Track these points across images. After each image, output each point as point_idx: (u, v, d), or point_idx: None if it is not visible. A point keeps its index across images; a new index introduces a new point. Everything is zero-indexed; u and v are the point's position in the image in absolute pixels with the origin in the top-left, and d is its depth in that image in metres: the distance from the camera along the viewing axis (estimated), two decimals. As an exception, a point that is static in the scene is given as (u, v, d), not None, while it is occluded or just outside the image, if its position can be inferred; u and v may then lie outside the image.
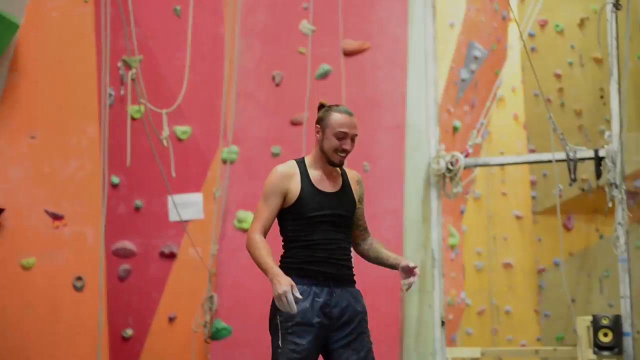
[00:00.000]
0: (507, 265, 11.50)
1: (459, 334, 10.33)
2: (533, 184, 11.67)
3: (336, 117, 4.08)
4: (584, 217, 11.40)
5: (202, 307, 7.91)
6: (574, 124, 11.00)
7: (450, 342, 9.61)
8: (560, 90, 11.44)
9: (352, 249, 4.37)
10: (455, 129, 9.66)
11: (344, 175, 4.29)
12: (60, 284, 8.07)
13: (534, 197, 11.66)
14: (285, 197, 4.09)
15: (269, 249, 4.00)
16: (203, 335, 7.88)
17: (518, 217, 11.68)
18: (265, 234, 4.09)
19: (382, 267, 7.50)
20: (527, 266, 11.58)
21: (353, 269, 4.29)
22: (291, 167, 4.15)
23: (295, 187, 4.09)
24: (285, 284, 3.79)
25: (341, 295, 4.18)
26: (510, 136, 11.50)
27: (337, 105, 4.14)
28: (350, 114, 4.10)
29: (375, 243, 4.37)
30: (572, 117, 11.13)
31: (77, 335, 7.96)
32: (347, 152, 4.12)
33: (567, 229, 11.42)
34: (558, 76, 11.52)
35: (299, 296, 3.81)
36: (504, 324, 11.32)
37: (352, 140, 4.12)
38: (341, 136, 4.08)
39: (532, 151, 11.06)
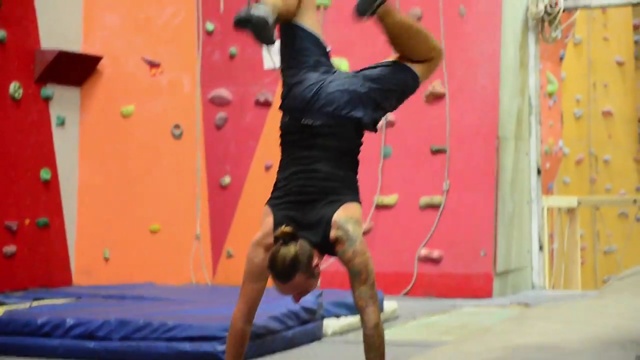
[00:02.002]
0: (607, 113, 11.29)
1: (556, 183, 10.28)
2: (636, 28, 11.31)
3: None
4: None
5: None
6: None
7: (547, 190, 9.59)
8: None
9: None
10: None
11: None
12: (158, 132, 8.26)
13: (636, 42, 11.32)
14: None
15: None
16: None
17: (619, 63, 11.40)
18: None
19: (478, 116, 7.41)
20: (627, 114, 11.38)
21: None
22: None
23: None
24: None
25: None
26: None
27: (273, 267, 3.48)
28: (282, 281, 3.47)
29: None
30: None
31: (177, 182, 8.18)
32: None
33: None
34: None
35: None
36: (602, 173, 11.23)
37: (301, 294, 3.51)
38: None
39: None
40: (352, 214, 3.54)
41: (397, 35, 3.66)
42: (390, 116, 7.45)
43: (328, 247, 3.50)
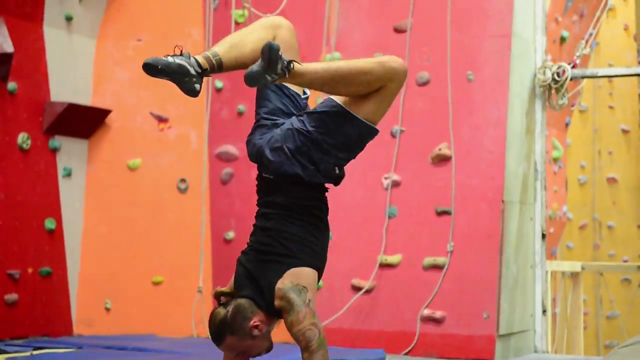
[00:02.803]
0: (612, 180, 11.36)
1: (559, 248, 10.29)
2: None
3: None
4: None
5: None
6: (688, 34, 10.71)
7: (551, 255, 9.58)
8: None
9: None
10: (562, 40, 9.44)
11: None
12: (164, 185, 8.28)
13: None
14: None
15: None
16: None
17: (625, 131, 11.47)
18: None
19: (484, 179, 7.43)
20: (632, 181, 11.43)
21: None
22: None
23: None
24: None
25: None
26: (620, 47, 11.25)
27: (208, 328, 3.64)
28: (214, 342, 3.63)
29: None
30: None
31: (181, 235, 8.18)
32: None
33: None
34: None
35: None
36: (605, 239, 11.26)
37: (244, 354, 3.60)
38: None
39: None
40: (299, 279, 3.50)
41: (322, 86, 3.49)
42: (395, 176, 7.52)
43: (276, 312, 3.49)
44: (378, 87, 3.45)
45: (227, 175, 8.22)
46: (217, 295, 3.57)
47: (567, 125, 10.55)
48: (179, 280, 8.13)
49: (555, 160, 10.10)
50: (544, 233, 7.92)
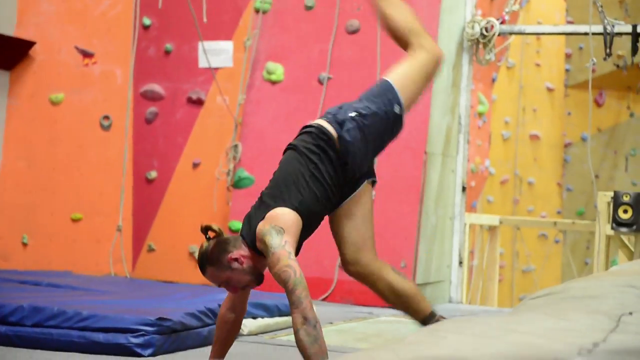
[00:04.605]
0: (534, 137, 11.52)
1: (479, 202, 10.43)
2: (568, 56, 11.55)
3: None
4: (616, 93, 11.32)
5: (226, 156, 8.04)
6: (615, -2, 10.77)
7: (470, 208, 9.73)
8: (605, -38, 11.19)
9: None
10: None
11: None
12: (87, 122, 8.22)
13: (567, 70, 11.55)
14: None
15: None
16: (225, 183, 8.02)
17: (549, 89, 11.60)
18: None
19: (407, 130, 7.50)
20: (554, 139, 11.59)
21: None
22: None
23: None
24: None
25: None
26: (549, 6, 11.32)
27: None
28: (200, 271, 3.75)
29: None
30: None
31: (102, 173, 8.15)
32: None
33: (598, 104, 11.38)
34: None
35: None
36: (525, 195, 11.40)
37: (228, 284, 3.72)
38: None
39: (570, 23, 10.88)
40: (277, 221, 3.62)
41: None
42: None
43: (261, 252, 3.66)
44: (410, 43, 4.12)
45: (151, 114, 8.19)
46: (204, 230, 3.70)
47: (493, 80, 10.65)
48: (99, 218, 8.11)
49: (480, 114, 10.20)
50: (465, 186, 8.04)
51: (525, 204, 11.37)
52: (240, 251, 3.67)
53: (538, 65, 11.47)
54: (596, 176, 10.67)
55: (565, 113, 11.52)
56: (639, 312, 3.66)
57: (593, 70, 10.32)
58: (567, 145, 11.55)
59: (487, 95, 10.45)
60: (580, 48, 11.31)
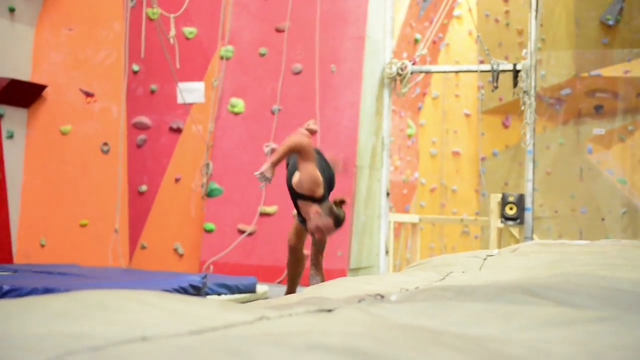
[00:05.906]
0: (456, 153, 11.77)
1: (412, 205, 10.91)
2: (480, 88, 11.83)
3: None
4: (519, 117, 11.54)
5: (200, 172, 8.22)
6: (516, 40, 10.92)
7: (404, 210, 10.28)
8: (507, 12, 11.37)
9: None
10: (416, 41, 10.01)
11: None
12: (90, 147, 8.46)
13: (480, 99, 11.75)
14: None
15: None
16: (200, 194, 8.21)
17: (467, 115, 11.85)
18: None
19: (341, 148, 7.99)
20: (471, 154, 11.75)
21: None
22: None
23: None
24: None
25: None
26: (465, 48, 11.59)
27: None
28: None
29: None
30: (514, 35, 11.05)
31: (103, 189, 8.40)
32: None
33: (505, 126, 11.50)
34: (506, 0, 11.52)
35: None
36: (450, 200, 11.69)
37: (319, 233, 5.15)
38: None
39: (481, 62, 11.19)
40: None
41: None
42: (274, 145, 8.02)
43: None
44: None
45: (141, 140, 8.55)
46: (338, 203, 4.94)
47: (419, 109, 11.17)
48: (100, 223, 8.31)
49: (409, 136, 10.75)
50: (388, 192, 8.64)
51: (450, 207, 11.65)
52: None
53: (457, 95, 11.77)
54: (505, 183, 11.11)
55: (480, 133, 11.55)
56: (469, 270, 4.37)
57: (500, 99, 10.88)
58: (482, 159, 11.49)
59: (414, 120, 10.95)
60: (490, 81, 11.63)
